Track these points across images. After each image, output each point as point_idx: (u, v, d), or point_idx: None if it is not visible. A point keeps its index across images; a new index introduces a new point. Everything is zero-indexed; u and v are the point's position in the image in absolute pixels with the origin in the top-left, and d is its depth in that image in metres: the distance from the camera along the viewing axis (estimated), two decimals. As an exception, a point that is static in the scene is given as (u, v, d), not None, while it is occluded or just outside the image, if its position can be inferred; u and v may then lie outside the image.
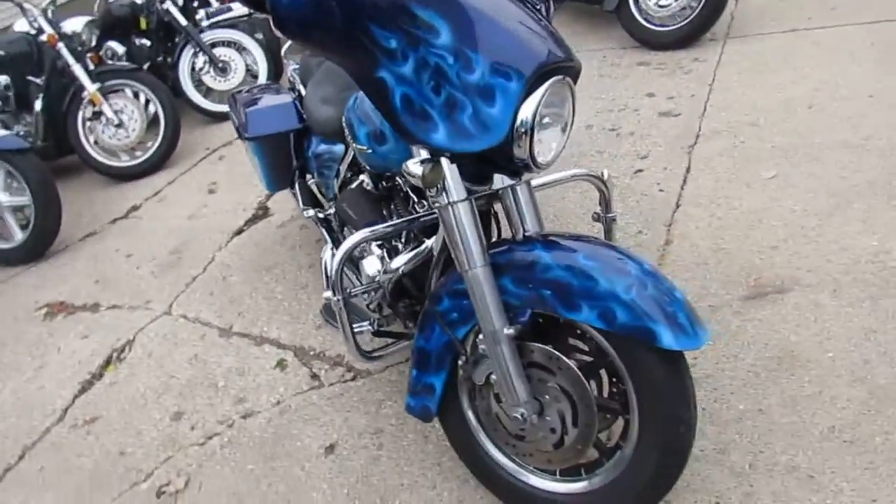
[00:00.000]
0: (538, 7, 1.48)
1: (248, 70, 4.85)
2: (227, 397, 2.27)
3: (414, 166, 1.35)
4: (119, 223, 3.76)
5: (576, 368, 1.41)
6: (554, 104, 1.32)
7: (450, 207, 1.36)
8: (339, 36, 1.23)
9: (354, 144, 1.79)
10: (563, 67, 1.30)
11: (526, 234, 1.48)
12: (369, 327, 1.88)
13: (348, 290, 1.64)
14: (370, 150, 1.72)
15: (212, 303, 2.79)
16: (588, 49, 4.28)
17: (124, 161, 4.30)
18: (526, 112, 1.25)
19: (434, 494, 1.75)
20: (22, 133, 4.38)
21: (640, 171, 2.88)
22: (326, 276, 1.56)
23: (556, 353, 1.43)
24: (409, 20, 1.22)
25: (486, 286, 1.38)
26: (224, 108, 4.61)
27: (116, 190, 4.17)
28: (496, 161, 1.38)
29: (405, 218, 1.63)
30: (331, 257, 1.54)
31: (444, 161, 1.35)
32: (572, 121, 1.40)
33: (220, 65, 4.74)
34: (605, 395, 1.52)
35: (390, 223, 1.62)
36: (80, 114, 4.19)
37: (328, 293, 1.60)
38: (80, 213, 3.96)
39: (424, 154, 1.36)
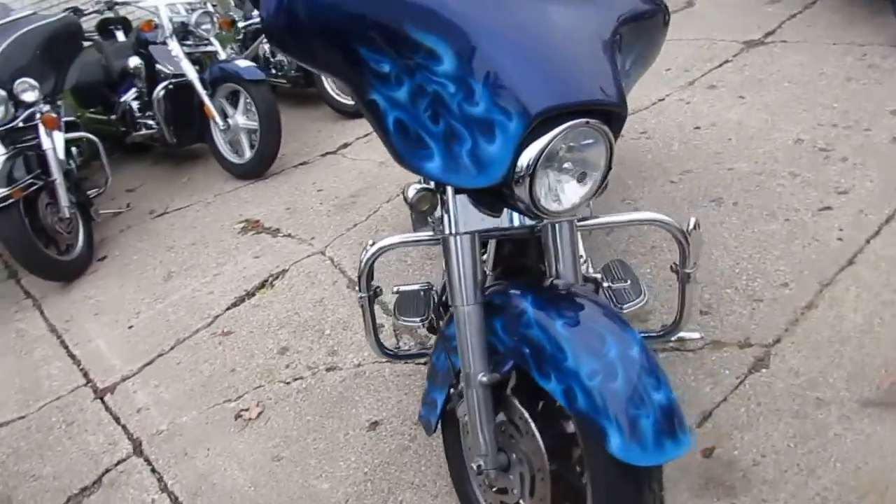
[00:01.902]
0: (606, 36, 1.30)
1: None
2: (324, 346, 2.47)
3: (410, 189, 1.31)
4: (328, 157, 4.15)
5: (538, 437, 1.30)
6: (576, 149, 1.18)
7: (449, 238, 1.31)
8: (326, 55, 1.22)
9: None
10: (594, 111, 1.14)
11: (554, 279, 1.37)
12: (420, 324, 1.89)
13: (377, 288, 1.66)
14: None
15: (355, 252, 3.00)
16: (846, 42, 3.56)
17: (349, 99, 4.67)
18: (528, 155, 1.13)
19: (434, 502, 1.76)
20: (284, 63, 4.98)
21: (828, 208, 2.40)
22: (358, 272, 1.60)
23: (527, 415, 1.33)
24: (405, 45, 1.15)
25: (470, 327, 1.32)
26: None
27: (340, 126, 4.56)
28: (505, 199, 1.28)
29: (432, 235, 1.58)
30: (362, 255, 1.58)
31: (450, 191, 1.29)
32: (604, 171, 1.22)
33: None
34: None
35: (415, 235, 1.60)
36: (326, 51, 4.62)
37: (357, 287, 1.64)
38: (306, 142, 4.43)
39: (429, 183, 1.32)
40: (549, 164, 1.15)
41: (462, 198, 1.30)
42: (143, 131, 4.41)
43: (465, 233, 1.30)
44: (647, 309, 2.11)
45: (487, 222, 1.34)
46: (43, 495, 2.14)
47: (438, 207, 1.33)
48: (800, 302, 2.03)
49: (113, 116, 4.61)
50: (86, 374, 2.69)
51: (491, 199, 1.34)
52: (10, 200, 3.10)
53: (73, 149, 3.96)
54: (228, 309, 2.86)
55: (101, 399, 2.52)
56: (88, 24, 4.34)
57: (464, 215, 1.31)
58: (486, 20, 1.15)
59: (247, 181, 4.08)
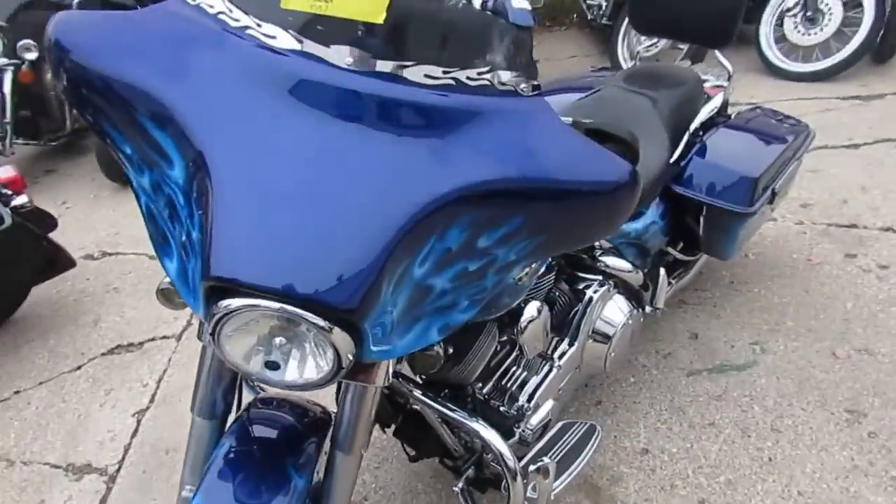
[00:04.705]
0: (409, 209, 0.91)
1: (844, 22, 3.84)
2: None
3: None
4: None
5: None
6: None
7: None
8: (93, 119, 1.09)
9: None
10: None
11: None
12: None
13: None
14: None
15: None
16: None
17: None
18: (215, 311, 0.89)
19: None
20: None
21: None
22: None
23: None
24: (141, 133, 0.99)
25: (191, 440, 1.22)
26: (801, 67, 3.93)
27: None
28: None
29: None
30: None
31: None
32: (331, 368, 0.94)
33: (810, 12, 3.85)
34: None
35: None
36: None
37: None
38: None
39: None
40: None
41: None
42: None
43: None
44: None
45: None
46: None
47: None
48: None
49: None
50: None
51: None
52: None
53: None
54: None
55: None
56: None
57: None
58: (228, 137, 0.88)
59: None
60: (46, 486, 1.97)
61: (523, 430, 1.52)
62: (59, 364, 2.50)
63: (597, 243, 1.72)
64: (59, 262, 2.61)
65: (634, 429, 1.87)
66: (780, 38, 4.07)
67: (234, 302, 0.82)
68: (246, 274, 0.80)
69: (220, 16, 0.96)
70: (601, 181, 1.01)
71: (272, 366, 0.91)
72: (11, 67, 3.80)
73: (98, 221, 3.63)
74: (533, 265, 1.28)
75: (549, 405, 1.57)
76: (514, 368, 1.60)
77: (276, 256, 0.80)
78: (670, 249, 2.00)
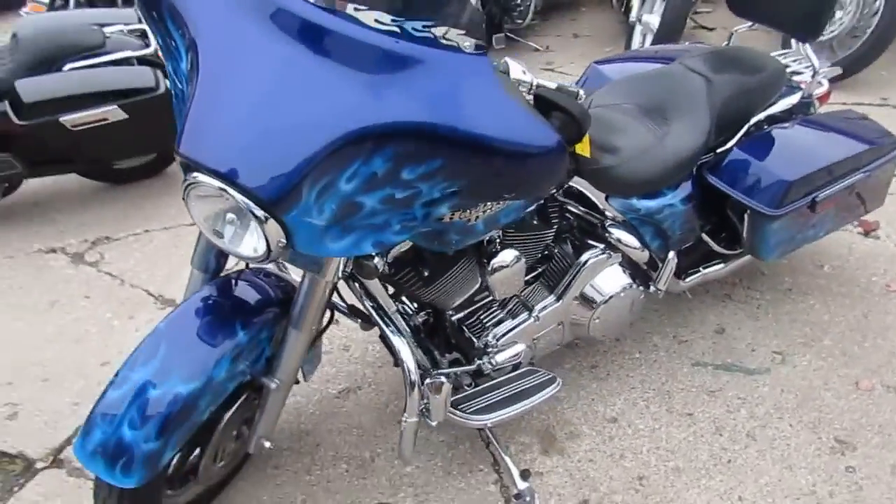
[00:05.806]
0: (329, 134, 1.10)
1: None
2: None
3: None
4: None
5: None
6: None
7: None
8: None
9: None
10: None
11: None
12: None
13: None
14: None
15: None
16: None
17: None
18: (186, 178, 1.19)
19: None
20: None
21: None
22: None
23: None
24: (164, 27, 1.23)
25: (189, 284, 1.53)
26: None
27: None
28: None
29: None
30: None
31: None
32: (265, 251, 1.19)
33: None
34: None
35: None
36: None
37: None
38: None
39: None
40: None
41: None
42: None
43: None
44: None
45: None
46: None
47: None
48: None
49: None
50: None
51: None
52: None
53: None
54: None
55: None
56: None
57: None
58: (217, 46, 1.10)
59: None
60: (140, 307, 2.44)
61: (484, 363, 1.68)
62: (182, 217, 2.98)
63: (609, 214, 1.76)
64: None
65: (614, 398, 1.93)
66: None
67: (196, 176, 1.05)
68: (197, 154, 1.04)
69: None
70: (522, 143, 1.18)
71: (221, 234, 1.15)
72: None
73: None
74: (487, 211, 1.40)
75: (518, 348, 1.70)
76: (494, 307, 1.74)
77: (224, 146, 1.03)
78: (707, 238, 1.96)
